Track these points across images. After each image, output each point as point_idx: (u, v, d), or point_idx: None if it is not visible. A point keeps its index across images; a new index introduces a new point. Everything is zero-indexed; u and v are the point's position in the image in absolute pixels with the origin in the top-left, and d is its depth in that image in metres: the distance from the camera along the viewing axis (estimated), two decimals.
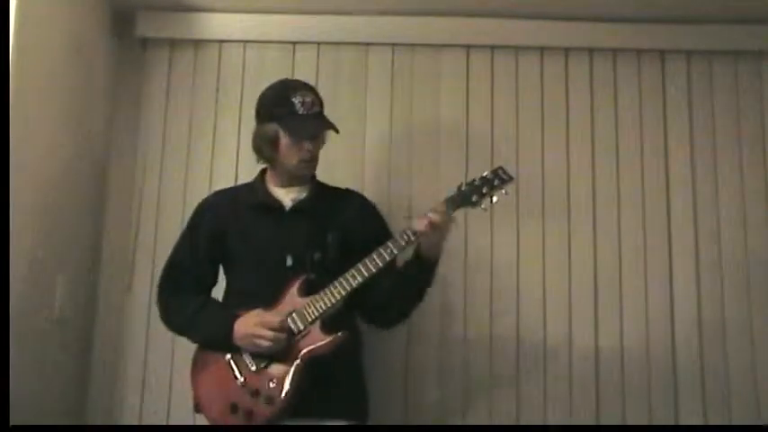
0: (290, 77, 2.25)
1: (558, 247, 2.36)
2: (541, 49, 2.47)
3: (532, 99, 2.45)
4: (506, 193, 1.82)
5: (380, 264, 1.73)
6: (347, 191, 2.03)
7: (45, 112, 1.99)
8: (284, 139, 1.83)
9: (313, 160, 1.88)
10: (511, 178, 1.82)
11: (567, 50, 2.47)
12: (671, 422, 2.25)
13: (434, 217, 1.72)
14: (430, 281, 1.84)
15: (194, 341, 1.84)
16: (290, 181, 1.91)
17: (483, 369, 2.29)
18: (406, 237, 1.74)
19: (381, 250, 1.74)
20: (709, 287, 2.33)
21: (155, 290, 1.93)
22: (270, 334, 1.68)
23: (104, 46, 2.39)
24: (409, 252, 1.81)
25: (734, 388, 2.27)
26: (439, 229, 1.73)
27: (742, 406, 2.26)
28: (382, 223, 1.97)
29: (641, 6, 2.36)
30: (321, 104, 1.89)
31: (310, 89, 1.90)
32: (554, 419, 2.26)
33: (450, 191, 1.81)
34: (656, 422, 2.25)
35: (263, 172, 1.97)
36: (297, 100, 1.83)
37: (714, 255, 2.35)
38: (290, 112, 1.82)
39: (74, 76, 2.17)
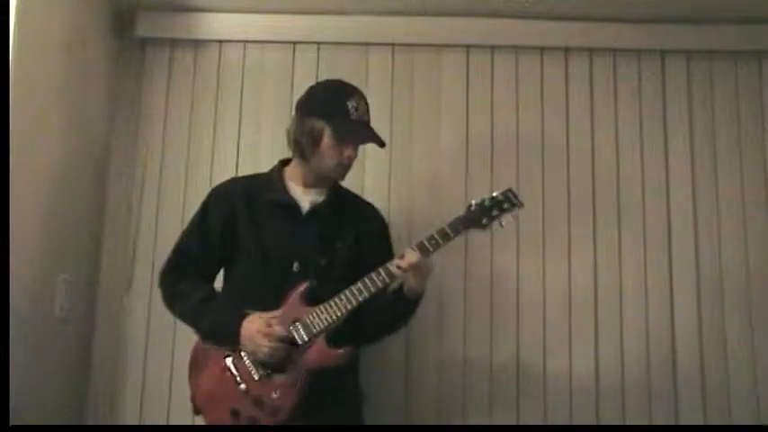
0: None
1: (557, 248, 2.36)
2: (541, 49, 2.47)
3: (532, 99, 2.44)
4: (514, 217, 1.80)
5: (388, 280, 1.71)
6: (365, 201, 2.02)
7: (45, 112, 1.99)
8: (328, 139, 1.79)
9: (349, 166, 1.85)
10: (521, 204, 1.80)
11: (566, 50, 2.47)
12: (671, 422, 2.25)
13: (412, 260, 1.69)
14: (408, 316, 1.83)
15: (196, 329, 1.81)
16: (313, 182, 1.87)
17: (482, 384, 2.29)
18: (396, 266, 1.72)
19: (389, 266, 1.71)
20: (708, 288, 2.33)
21: (155, 289, 1.91)
22: (270, 345, 1.66)
23: (104, 46, 2.39)
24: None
25: (734, 388, 2.27)
26: (417, 271, 1.71)
27: (742, 406, 2.26)
28: (387, 242, 1.94)
29: (641, 6, 2.36)
30: (369, 114, 1.87)
31: (363, 97, 1.86)
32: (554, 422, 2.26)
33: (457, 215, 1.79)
34: (655, 422, 2.25)
35: (283, 164, 1.93)
36: (351, 104, 1.80)
37: (714, 255, 2.34)
38: (342, 115, 1.79)
39: (74, 76, 2.17)
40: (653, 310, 2.32)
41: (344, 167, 1.84)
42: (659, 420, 2.26)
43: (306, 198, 1.87)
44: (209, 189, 1.98)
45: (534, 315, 2.32)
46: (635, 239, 2.36)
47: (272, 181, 1.90)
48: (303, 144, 1.82)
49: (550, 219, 2.37)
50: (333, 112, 1.80)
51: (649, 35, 2.43)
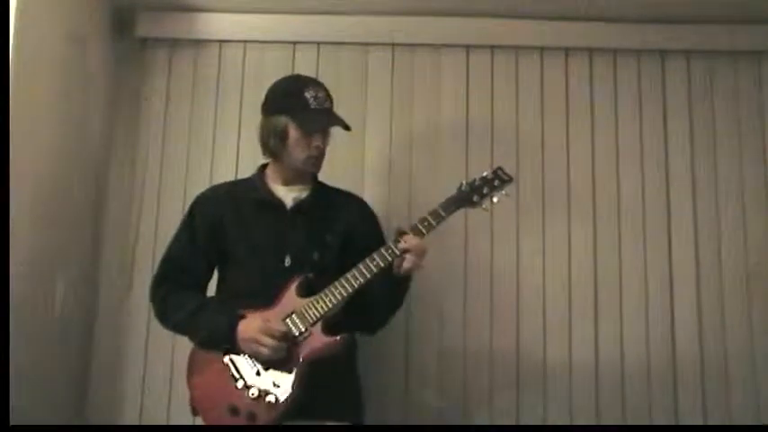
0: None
1: (557, 248, 2.36)
2: (541, 49, 2.47)
3: (532, 99, 2.45)
4: (507, 194, 1.84)
5: (382, 264, 1.72)
6: (348, 193, 2.01)
7: (45, 112, 1.99)
8: (294, 133, 1.82)
9: (320, 156, 1.87)
10: (510, 179, 1.84)
11: (567, 50, 2.47)
12: (671, 422, 2.26)
13: (412, 243, 1.71)
14: (404, 294, 1.84)
15: (194, 340, 1.81)
16: (292, 179, 1.88)
17: (482, 376, 2.29)
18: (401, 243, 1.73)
19: (383, 251, 1.73)
20: (708, 287, 2.33)
21: None
22: (271, 343, 1.66)
23: (104, 46, 2.39)
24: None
25: (734, 388, 2.27)
26: (417, 253, 1.72)
27: (742, 406, 2.26)
28: (378, 230, 1.95)
29: (641, 6, 2.36)
30: (332, 101, 1.88)
31: (321, 85, 1.88)
32: (554, 422, 2.26)
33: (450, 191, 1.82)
34: (655, 422, 2.26)
35: (263, 168, 1.95)
36: (309, 94, 1.82)
37: (714, 254, 2.35)
38: (302, 106, 1.81)
39: (74, 76, 2.17)
40: (653, 310, 2.32)
41: (316, 158, 1.86)
42: (659, 420, 2.26)
43: (289, 195, 1.88)
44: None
45: (534, 306, 2.33)
46: (635, 240, 2.36)
47: (254, 183, 1.92)
48: (271, 144, 1.85)
49: (551, 218, 2.37)
50: (293, 105, 1.82)
51: (649, 35, 2.43)
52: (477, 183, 1.81)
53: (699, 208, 2.38)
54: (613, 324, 2.32)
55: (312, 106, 1.81)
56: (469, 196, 1.80)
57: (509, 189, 1.84)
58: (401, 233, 1.74)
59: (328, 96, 1.87)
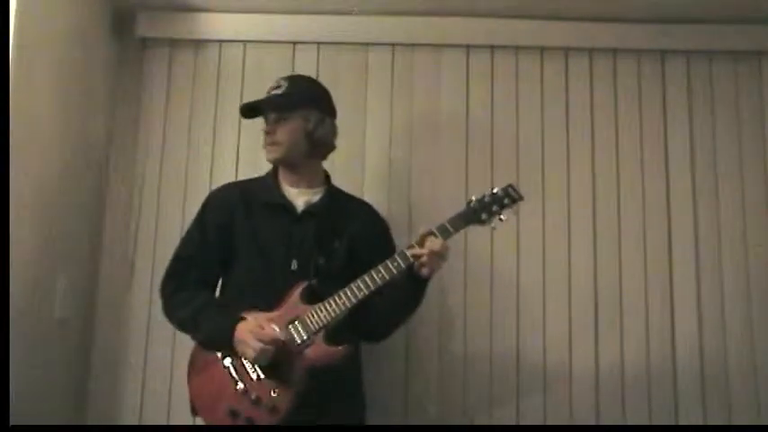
0: None
1: (557, 251, 2.36)
2: (541, 49, 2.47)
3: (532, 99, 2.45)
4: (515, 212, 1.80)
5: (387, 277, 1.70)
6: (360, 200, 2.02)
7: (45, 112, 1.99)
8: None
9: (274, 144, 1.86)
10: (521, 198, 1.79)
11: (566, 50, 2.47)
12: (671, 422, 2.26)
13: (435, 247, 1.70)
14: (421, 298, 1.82)
15: (195, 339, 1.81)
16: (299, 181, 1.89)
17: (483, 378, 2.29)
18: (411, 255, 1.72)
19: (389, 263, 1.71)
20: (709, 288, 2.33)
21: (155, 289, 1.91)
22: (258, 346, 1.64)
23: (104, 46, 2.39)
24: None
25: (734, 388, 2.28)
26: (440, 258, 1.72)
27: (742, 406, 2.26)
28: (388, 239, 1.95)
29: (641, 6, 2.36)
30: (290, 89, 1.87)
31: (290, 78, 1.91)
32: (554, 422, 2.27)
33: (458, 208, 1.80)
34: (655, 422, 2.26)
35: (276, 168, 1.94)
36: (269, 87, 1.89)
37: (714, 255, 2.35)
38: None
39: (74, 76, 2.17)
40: (653, 310, 2.32)
41: (268, 145, 1.87)
42: (659, 421, 2.26)
43: (300, 198, 1.88)
44: (210, 189, 1.99)
45: (534, 312, 2.32)
46: (635, 240, 2.36)
47: (266, 183, 1.92)
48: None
49: (551, 218, 2.38)
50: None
51: (649, 35, 2.43)
52: (486, 200, 1.78)
53: (699, 207, 2.37)
54: (613, 325, 2.32)
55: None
56: (478, 214, 1.77)
57: (517, 207, 1.81)
58: (410, 247, 1.73)
59: (285, 84, 1.88)
